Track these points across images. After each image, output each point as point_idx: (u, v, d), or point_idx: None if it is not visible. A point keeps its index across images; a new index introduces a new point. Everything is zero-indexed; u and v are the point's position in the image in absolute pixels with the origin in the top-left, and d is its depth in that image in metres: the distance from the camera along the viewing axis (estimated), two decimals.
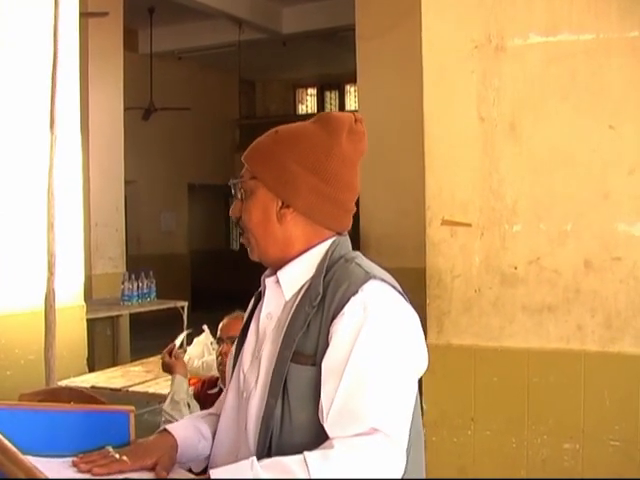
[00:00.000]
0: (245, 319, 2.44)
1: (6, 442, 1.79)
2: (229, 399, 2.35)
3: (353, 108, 21.02)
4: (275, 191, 2.23)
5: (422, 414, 4.76)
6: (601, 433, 4.57)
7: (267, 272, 2.36)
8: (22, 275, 6.74)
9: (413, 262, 10.37)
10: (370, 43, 11.90)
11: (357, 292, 2.10)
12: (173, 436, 2.28)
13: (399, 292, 2.20)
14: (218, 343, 4.47)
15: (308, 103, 23.99)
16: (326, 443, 1.97)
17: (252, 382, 2.23)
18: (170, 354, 4.54)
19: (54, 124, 5.99)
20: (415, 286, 8.65)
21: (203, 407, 4.36)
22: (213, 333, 5.36)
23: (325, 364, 2.06)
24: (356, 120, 2.31)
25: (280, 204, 2.23)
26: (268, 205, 2.24)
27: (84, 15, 8.85)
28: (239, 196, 2.31)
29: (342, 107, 22.82)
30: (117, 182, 12.94)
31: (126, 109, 13.34)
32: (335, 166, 2.23)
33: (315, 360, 2.09)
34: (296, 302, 2.20)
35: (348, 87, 22.52)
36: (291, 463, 1.92)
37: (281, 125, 2.35)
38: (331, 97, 23.60)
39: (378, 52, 11.76)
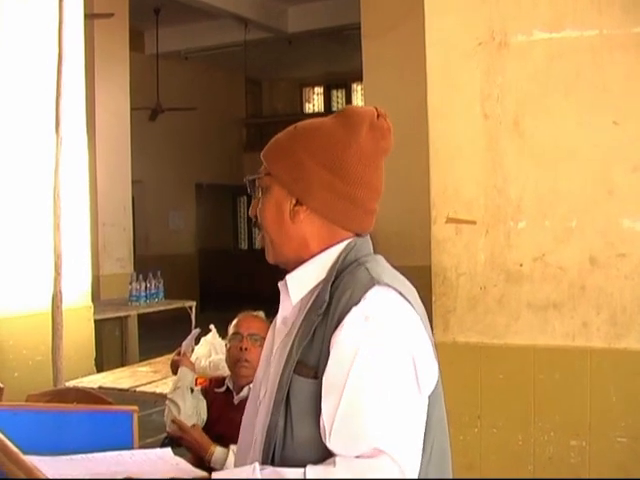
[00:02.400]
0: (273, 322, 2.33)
1: (7, 442, 1.79)
2: (248, 404, 2.30)
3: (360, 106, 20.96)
4: (288, 188, 2.13)
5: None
6: (607, 430, 4.56)
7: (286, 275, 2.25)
8: (29, 276, 6.76)
9: (421, 260, 10.38)
10: (375, 41, 11.89)
11: (359, 301, 1.97)
12: None
13: (406, 299, 2.06)
14: (229, 339, 4.46)
15: (315, 102, 24.00)
16: (329, 460, 1.87)
17: (263, 391, 2.17)
18: (178, 354, 4.56)
19: (59, 125, 6.01)
20: (423, 284, 8.66)
21: (210, 405, 4.38)
22: (221, 332, 5.37)
23: (325, 378, 1.94)
24: (379, 115, 2.19)
25: (294, 202, 2.13)
26: (282, 202, 2.14)
27: (89, 16, 8.89)
28: (256, 194, 2.22)
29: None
30: (124, 182, 12.97)
31: (133, 110, 13.37)
32: (352, 163, 2.12)
33: (317, 373, 1.97)
34: (306, 308, 2.10)
35: (355, 85, 22.50)
36: (292, 475, 1.85)
37: (289, 124, 2.25)
38: (338, 96, 23.59)
39: (383, 50, 11.76)
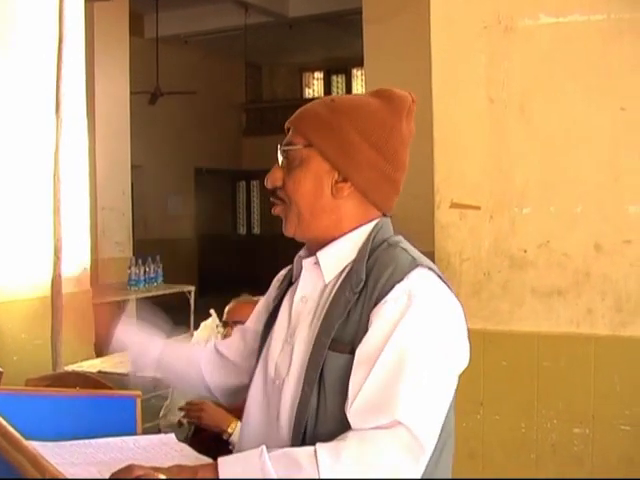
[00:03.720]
0: (274, 303, 2.32)
1: (9, 427, 1.76)
2: (256, 389, 2.24)
3: (360, 92, 20.98)
4: (334, 162, 2.11)
5: None
6: (611, 418, 4.54)
7: (302, 253, 2.26)
8: (28, 260, 6.73)
9: (422, 245, 10.37)
10: (377, 26, 11.85)
11: (403, 279, 1.99)
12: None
13: (445, 283, 2.10)
14: (224, 327, 4.44)
15: (315, 87, 24.01)
16: (343, 435, 1.87)
17: (284, 369, 2.13)
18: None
19: (60, 108, 5.98)
20: None
21: None
22: (221, 317, 5.35)
23: (359, 351, 1.95)
24: (413, 100, 2.25)
25: (337, 177, 2.12)
26: (323, 176, 2.12)
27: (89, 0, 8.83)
28: (282, 163, 2.18)
29: (349, 91, 22.83)
30: (124, 166, 12.94)
31: (132, 94, 13.32)
32: (396, 145, 2.17)
33: (353, 349, 1.97)
34: (336, 286, 2.09)
35: (355, 71, 22.53)
36: (301, 457, 1.82)
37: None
38: (338, 81, 23.60)
39: (385, 35, 11.71)
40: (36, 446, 1.82)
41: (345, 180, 2.11)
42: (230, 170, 20.78)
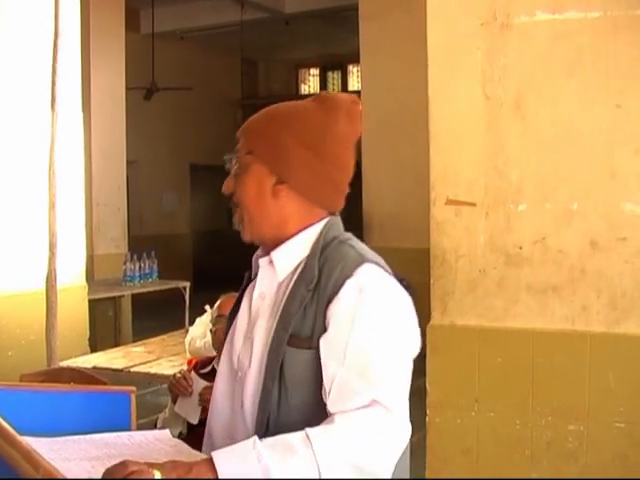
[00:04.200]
0: (236, 300, 2.46)
1: (3, 422, 1.76)
2: (222, 378, 2.37)
3: (356, 88, 21.01)
4: (270, 166, 2.25)
5: (425, 395, 4.76)
6: (606, 415, 4.54)
7: (259, 252, 2.39)
8: (23, 255, 6.73)
9: (416, 242, 10.36)
10: (373, 23, 11.87)
11: (352, 275, 2.14)
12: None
13: (392, 275, 2.24)
14: (213, 323, 4.46)
15: (311, 83, 23.99)
16: (328, 419, 2.02)
17: (246, 362, 2.26)
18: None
19: (55, 102, 5.96)
20: (418, 267, 8.63)
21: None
22: None
23: (325, 347, 2.11)
24: (353, 101, 2.33)
25: (275, 180, 2.25)
26: (263, 180, 2.26)
27: None
28: (233, 171, 2.34)
29: (345, 87, 22.83)
30: (119, 162, 12.95)
31: (128, 89, 13.31)
32: (331, 145, 2.25)
33: (311, 344, 2.13)
34: (291, 283, 2.23)
35: (351, 67, 22.51)
36: (293, 440, 1.93)
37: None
38: (334, 77, 23.59)
39: (381, 32, 11.73)
40: (30, 441, 1.82)
41: (282, 182, 2.25)
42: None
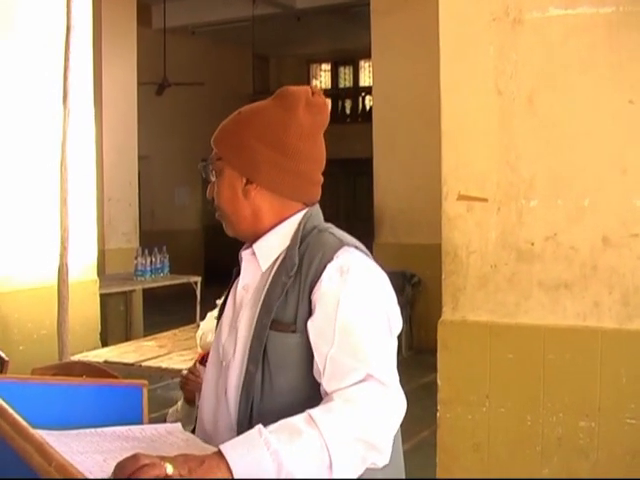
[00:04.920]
0: (225, 294, 2.55)
1: (16, 416, 1.77)
2: (209, 369, 2.47)
3: (367, 84, 21.03)
4: (238, 169, 2.35)
5: (435, 390, 4.76)
6: (617, 411, 4.53)
7: (244, 247, 2.48)
8: (35, 250, 6.74)
9: (426, 238, 10.39)
10: (385, 18, 11.85)
11: (332, 259, 2.22)
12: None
13: (369, 257, 2.34)
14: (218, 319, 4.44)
15: (322, 78, 23.97)
16: (326, 398, 2.09)
17: (230, 351, 2.34)
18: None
19: (67, 97, 5.98)
20: (429, 262, 8.58)
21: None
22: None
23: (313, 329, 2.18)
24: (313, 93, 2.39)
25: (244, 181, 2.35)
26: (234, 183, 2.37)
27: None
28: (211, 178, 2.44)
29: (356, 82, 22.82)
30: (131, 157, 12.98)
31: (140, 84, 13.33)
32: (293, 140, 2.32)
33: (295, 327, 2.21)
34: (272, 273, 2.32)
35: (362, 62, 22.48)
36: (298, 422, 1.97)
37: None
38: (345, 72, 23.57)
39: (393, 27, 11.72)
40: (42, 435, 1.82)
41: (251, 182, 2.35)
42: None
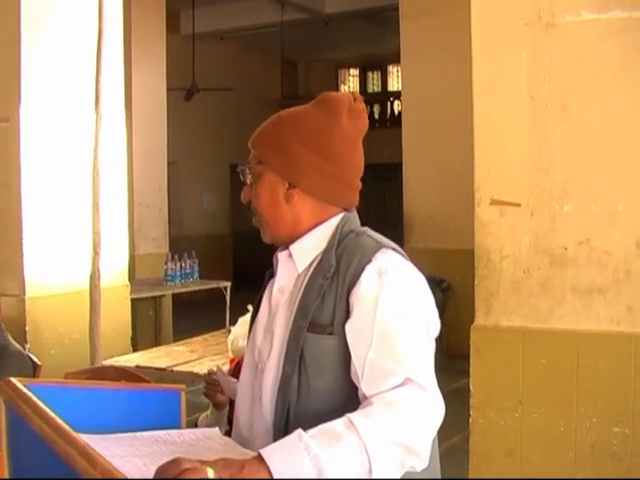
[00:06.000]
0: (258, 297, 2.53)
1: (59, 420, 1.77)
2: (244, 372, 2.46)
3: (395, 89, 21.06)
4: (281, 173, 2.34)
5: (467, 395, 4.73)
6: None
7: (280, 248, 2.46)
8: (67, 255, 6.78)
9: (456, 243, 10.37)
10: (414, 22, 11.84)
11: (371, 261, 2.21)
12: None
13: (407, 260, 2.32)
14: None
15: (350, 84, 24.00)
16: (365, 402, 2.06)
17: (266, 354, 2.34)
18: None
19: (99, 103, 6.01)
20: (459, 268, 8.53)
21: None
22: None
23: (351, 330, 2.17)
24: (355, 99, 2.41)
25: (287, 185, 2.34)
26: (275, 187, 2.35)
27: None
28: (248, 181, 2.41)
29: (384, 87, 22.85)
30: (160, 162, 13.03)
31: (168, 90, 13.36)
32: (337, 145, 2.33)
33: (333, 330, 2.20)
34: (308, 275, 2.31)
35: (390, 67, 22.52)
36: (337, 427, 1.95)
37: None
38: (373, 77, 23.61)
39: (422, 32, 11.71)
40: (84, 438, 1.83)
41: (294, 187, 2.34)
42: None
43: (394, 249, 2.30)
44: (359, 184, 2.43)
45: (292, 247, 2.37)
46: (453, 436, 6.54)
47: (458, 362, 6.28)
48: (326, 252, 2.30)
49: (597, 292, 4.58)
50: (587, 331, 4.60)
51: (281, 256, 2.42)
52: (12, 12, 6.50)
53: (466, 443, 4.94)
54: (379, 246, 2.27)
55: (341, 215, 2.38)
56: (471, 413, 4.82)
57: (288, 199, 2.34)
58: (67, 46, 6.80)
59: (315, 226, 2.37)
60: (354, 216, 2.41)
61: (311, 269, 2.31)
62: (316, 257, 2.33)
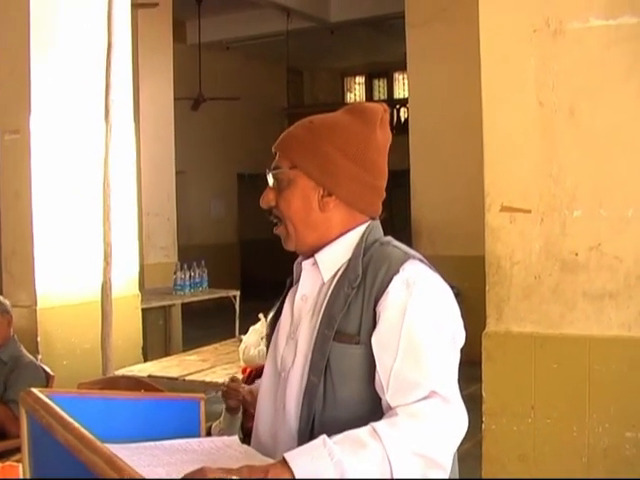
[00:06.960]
0: (278, 304, 2.52)
1: (83, 430, 1.78)
2: (266, 380, 2.44)
3: (401, 96, 21.05)
4: (318, 180, 2.31)
5: (479, 401, 4.74)
6: None
7: (300, 258, 2.45)
8: (78, 265, 6.80)
9: (465, 250, 10.37)
10: (420, 30, 11.84)
11: (399, 271, 2.20)
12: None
13: (436, 272, 2.31)
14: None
15: (356, 92, 24.00)
16: (390, 412, 2.07)
17: (289, 362, 2.32)
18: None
19: (109, 114, 6.03)
20: (468, 274, 8.52)
21: None
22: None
23: (377, 341, 2.16)
24: (384, 110, 2.41)
25: (322, 192, 2.32)
26: (309, 194, 2.32)
27: (135, 6, 8.91)
28: (272, 185, 2.38)
29: (390, 95, 22.82)
30: (168, 171, 13.04)
31: (175, 99, 13.39)
32: (373, 155, 2.34)
33: (359, 339, 2.19)
34: (333, 283, 2.29)
35: (396, 75, 22.50)
36: (361, 434, 1.96)
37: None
38: (379, 85, 23.59)
39: (428, 39, 11.71)
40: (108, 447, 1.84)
41: (330, 194, 2.32)
42: None
43: (421, 260, 2.30)
44: (384, 193, 2.43)
45: (318, 255, 2.34)
46: (465, 442, 6.48)
47: (468, 368, 6.25)
48: (352, 261, 2.28)
49: (608, 297, 4.59)
50: (598, 336, 4.61)
51: (305, 264, 2.39)
52: (21, 25, 6.55)
53: (479, 449, 4.93)
54: (407, 257, 2.26)
55: (367, 224, 2.37)
56: (484, 419, 4.83)
57: (323, 206, 2.32)
58: (76, 58, 6.83)
59: (342, 234, 2.35)
60: (378, 225, 2.41)
61: (336, 278, 2.30)
62: (341, 266, 2.31)
